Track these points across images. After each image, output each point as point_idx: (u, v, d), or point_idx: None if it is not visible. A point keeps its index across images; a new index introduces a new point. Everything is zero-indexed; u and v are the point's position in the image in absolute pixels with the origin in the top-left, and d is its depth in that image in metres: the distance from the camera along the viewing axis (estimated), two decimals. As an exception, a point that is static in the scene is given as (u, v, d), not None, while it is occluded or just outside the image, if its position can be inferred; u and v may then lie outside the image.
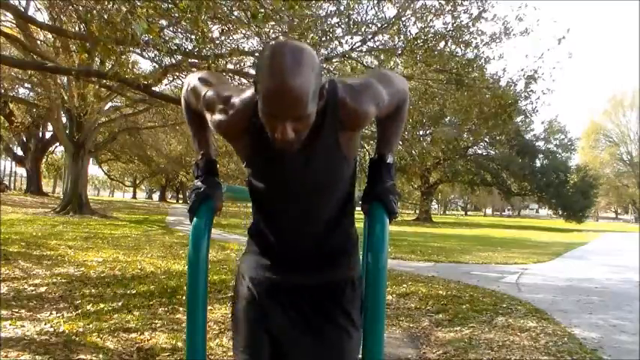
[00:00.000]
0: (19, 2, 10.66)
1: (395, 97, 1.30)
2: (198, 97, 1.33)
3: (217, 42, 7.21)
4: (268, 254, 1.38)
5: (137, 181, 49.26)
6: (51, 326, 3.40)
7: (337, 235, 1.36)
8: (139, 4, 5.05)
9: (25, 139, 26.07)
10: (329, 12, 7.87)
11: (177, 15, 5.37)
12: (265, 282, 1.36)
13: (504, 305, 4.97)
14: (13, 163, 34.26)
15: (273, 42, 1.25)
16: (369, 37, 8.42)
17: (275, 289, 1.35)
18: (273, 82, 1.02)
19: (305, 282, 1.35)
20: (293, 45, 1.08)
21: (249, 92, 1.22)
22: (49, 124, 21.65)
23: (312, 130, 1.14)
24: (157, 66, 9.43)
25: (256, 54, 7.63)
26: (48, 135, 26.48)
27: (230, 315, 1.46)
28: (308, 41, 6.30)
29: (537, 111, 11.98)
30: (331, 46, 7.95)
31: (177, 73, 9.13)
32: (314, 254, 1.34)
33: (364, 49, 8.69)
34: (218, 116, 1.25)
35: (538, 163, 35.71)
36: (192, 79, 1.40)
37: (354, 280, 1.37)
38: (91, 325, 3.47)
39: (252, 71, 7.67)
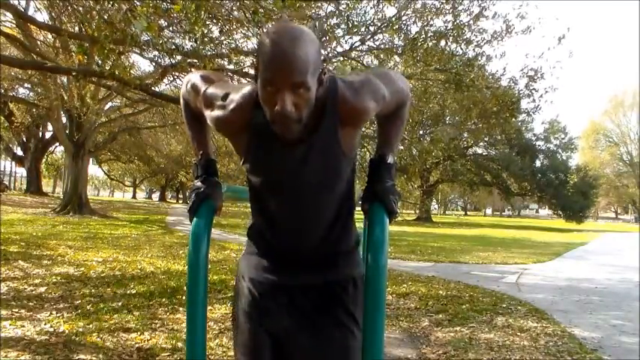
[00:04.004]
0: (19, 2, 10.68)
1: (395, 95, 1.30)
2: (197, 94, 1.33)
3: (217, 42, 7.21)
4: (268, 254, 1.37)
5: (137, 181, 49.25)
6: (51, 326, 3.40)
7: (337, 234, 1.35)
8: (138, 3, 5.05)
9: (25, 139, 26.05)
10: (328, 12, 7.87)
11: (176, 15, 5.37)
12: (265, 282, 1.36)
13: (504, 305, 4.97)
14: (13, 163, 34.24)
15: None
16: (369, 36, 8.42)
17: (276, 289, 1.35)
18: (275, 47, 1.05)
19: (306, 282, 1.34)
20: (293, 24, 1.16)
21: (248, 88, 1.23)
22: (49, 124, 21.65)
23: (312, 123, 1.14)
24: (156, 66, 9.43)
25: (256, 54, 7.63)
26: (48, 135, 26.47)
27: (230, 316, 1.46)
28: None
29: (540, 108, 12.00)
30: (331, 46, 7.95)
31: (176, 73, 9.12)
32: (314, 253, 1.34)
33: (364, 49, 8.69)
34: (217, 112, 1.25)
35: (538, 163, 35.72)
36: (191, 77, 1.40)
37: (356, 278, 1.36)
38: (91, 325, 3.47)
39: (252, 71, 7.67)
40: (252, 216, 1.41)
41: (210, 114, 1.28)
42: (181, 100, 1.45)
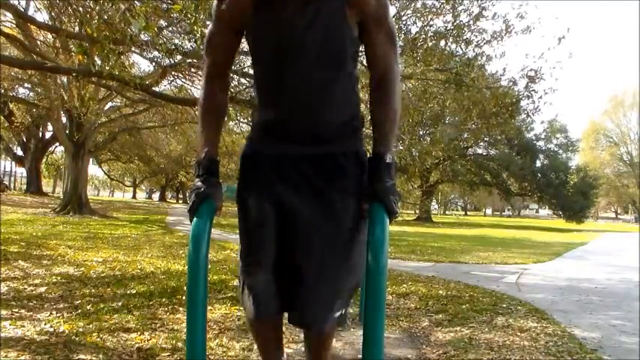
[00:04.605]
0: (19, 2, 10.68)
1: (389, 40, 1.38)
2: (213, 25, 1.41)
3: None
4: (271, 127, 1.41)
5: (137, 181, 49.24)
6: (51, 326, 3.40)
7: (339, 107, 1.38)
8: (138, 4, 5.05)
9: (25, 139, 26.06)
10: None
11: (176, 15, 5.37)
12: (269, 152, 1.40)
13: (504, 305, 4.97)
14: (13, 163, 34.24)
15: None
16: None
17: (279, 159, 1.38)
18: None
19: (309, 152, 1.37)
20: None
21: None
22: (49, 124, 21.64)
23: None
24: (156, 66, 9.43)
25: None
26: (48, 135, 26.47)
27: (236, 202, 1.47)
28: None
29: (540, 110, 11.98)
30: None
31: (176, 73, 9.12)
32: (317, 125, 1.37)
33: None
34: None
35: (538, 163, 35.72)
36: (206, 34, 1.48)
37: (358, 152, 1.41)
38: (91, 325, 3.47)
39: (252, 71, 7.66)
40: (257, 93, 1.45)
41: (222, 8, 1.34)
42: (202, 78, 1.49)
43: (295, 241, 1.35)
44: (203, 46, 1.50)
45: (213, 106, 1.43)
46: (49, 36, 11.44)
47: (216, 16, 1.38)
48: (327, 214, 1.33)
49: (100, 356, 2.88)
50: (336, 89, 1.35)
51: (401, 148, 10.14)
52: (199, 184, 1.36)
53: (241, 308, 3.20)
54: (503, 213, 71.11)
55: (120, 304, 4.18)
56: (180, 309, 4.01)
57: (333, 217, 1.33)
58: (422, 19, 8.39)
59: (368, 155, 1.42)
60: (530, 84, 10.41)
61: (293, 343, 3.04)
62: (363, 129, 1.52)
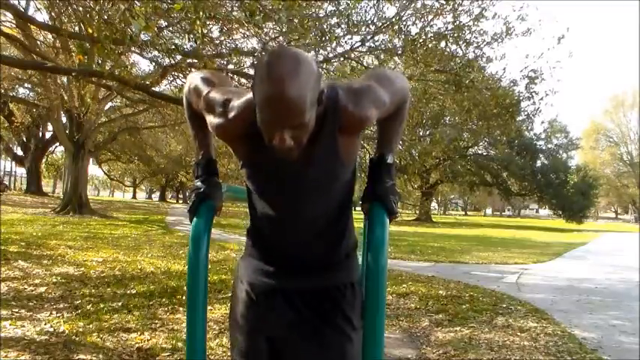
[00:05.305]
0: (19, 2, 10.67)
1: (395, 97, 1.29)
2: (199, 97, 1.32)
3: (217, 42, 7.21)
4: (266, 258, 1.37)
5: (137, 181, 49.23)
6: (51, 326, 3.40)
7: (336, 238, 1.35)
8: (138, 4, 5.05)
9: (25, 139, 26.05)
10: (328, 12, 7.86)
11: (176, 15, 5.37)
12: (264, 286, 1.35)
13: (504, 305, 4.97)
14: (13, 163, 34.24)
15: (271, 50, 1.25)
16: (369, 37, 8.41)
17: (274, 293, 1.34)
18: (271, 91, 1.01)
19: (304, 286, 1.34)
20: (290, 52, 1.07)
21: (249, 95, 1.20)
22: (49, 124, 21.65)
23: (311, 134, 1.12)
24: (156, 66, 9.42)
25: (256, 54, 7.63)
26: (48, 135, 26.47)
27: (228, 319, 1.46)
28: (308, 41, 6.30)
29: (540, 111, 12.00)
30: (331, 47, 7.95)
31: (176, 73, 9.12)
32: (313, 258, 1.34)
33: (364, 49, 8.68)
34: (217, 119, 1.24)
35: (538, 163, 35.71)
36: (193, 78, 1.39)
37: (354, 283, 1.36)
38: (91, 325, 3.47)
39: (252, 71, 7.67)
40: (251, 219, 1.41)
41: (210, 120, 1.27)
42: (184, 100, 1.44)
43: None
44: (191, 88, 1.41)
45: (197, 112, 1.42)
46: (49, 36, 11.44)
47: (212, 125, 1.28)
48: (320, 351, 1.32)
49: (100, 356, 2.88)
50: (332, 225, 1.33)
51: (401, 148, 10.13)
52: (199, 184, 1.36)
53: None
54: (503, 213, 71.10)
55: (120, 304, 4.18)
56: (180, 309, 4.01)
57: (325, 354, 1.32)
58: (422, 19, 8.38)
59: (368, 156, 1.41)
60: (530, 85, 10.41)
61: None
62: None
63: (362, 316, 1.31)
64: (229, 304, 1.45)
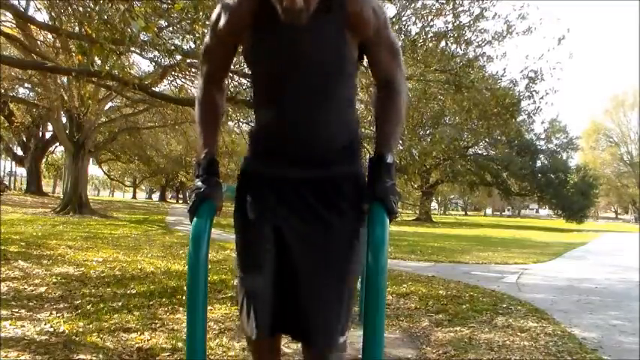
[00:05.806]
0: (19, 2, 10.68)
1: (391, 54, 1.42)
2: (210, 37, 1.40)
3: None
4: (269, 150, 1.40)
5: (137, 181, 49.26)
6: (51, 326, 3.40)
7: (338, 128, 1.38)
8: (137, 4, 5.05)
9: (25, 139, 26.07)
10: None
11: (176, 15, 5.37)
12: (267, 176, 1.38)
13: (504, 305, 4.97)
14: (13, 163, 34.26)
15: None
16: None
17: (278, 183, 1.37)
18: None
19: (309, 176, 1.36)
20: None
21: None
22: (49, 124, 21.65)
23: (319, 8, 1.21)
24: (156, 66, 9.43)
25: None
26: (48, 135, 26.48)
27: (233, 218, 1.46)
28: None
29: (541, 110, 12.01)
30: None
31: (176, 73, 9.12)
32: (315, 146, 1.36)
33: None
34: (225, 17, 1.32)
35: (538, 163, 35.74)
36: (203, 46, 1.48)
37: (358, 175, 1.40)
38: (91, 325, 3.47)
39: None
40: (255, 111, 1.45)
41: (221, 23, 1.33)
42: (199, 81, 1.49)
43: (294, 263, 1.35)
44: (201, 51, 1.50)
45: (210, 107, 1.44)
46: (49, 36, 11.43)
47: (213, 29, 1.38)
48: (326, 238, 1.34)
49: (100, 356, 2.88)
50: (336, 110, 1.36)
51: (401, 148, 10.13)
52: (199, 184, 1.36)
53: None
54: (503, 213, 71.12)
55: (120, 304, 4.18)
56: (180, 309, 4.01)
57: (332, 240, 1.33)
58: (422, 19, 8.38)
59: (369, 155, 1.43)
60: (530, 84, 10.42)
61: (293, 343, 3.04)
62: (363, 148, 1.52)
63: (364, 195, 1.35)
64: (233, 211, 1.45)
